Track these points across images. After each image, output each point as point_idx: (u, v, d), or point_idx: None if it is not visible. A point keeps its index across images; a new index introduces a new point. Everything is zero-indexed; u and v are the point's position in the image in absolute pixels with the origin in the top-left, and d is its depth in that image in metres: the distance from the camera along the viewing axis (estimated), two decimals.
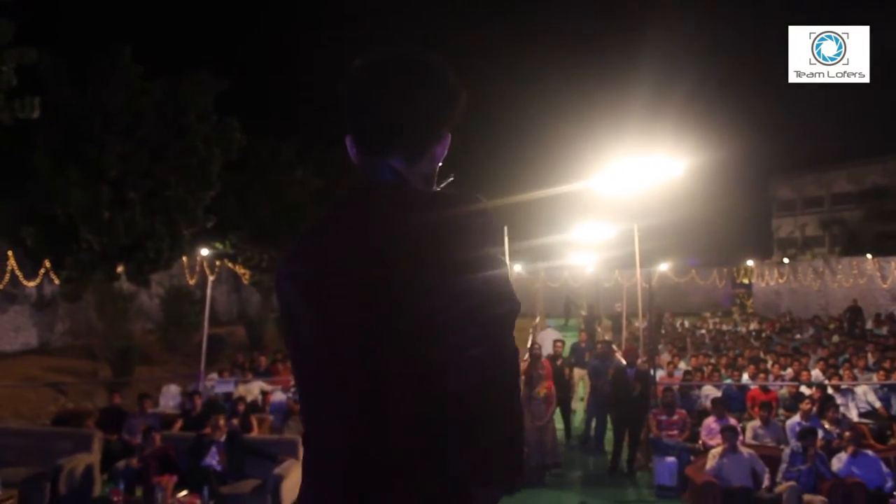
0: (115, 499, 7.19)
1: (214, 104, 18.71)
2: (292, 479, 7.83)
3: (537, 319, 24.85)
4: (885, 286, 26.05)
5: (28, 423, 11.96)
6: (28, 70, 12.19)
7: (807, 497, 7.56)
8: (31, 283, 17.48)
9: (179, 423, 9.83)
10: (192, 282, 21.67)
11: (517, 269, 27.33)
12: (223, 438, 8.27)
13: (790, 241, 47.50)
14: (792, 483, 7.65)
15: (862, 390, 11.19)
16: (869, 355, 14.89)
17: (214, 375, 12.86)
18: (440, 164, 1.47)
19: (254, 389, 11.88)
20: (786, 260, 36.76)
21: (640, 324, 17.10)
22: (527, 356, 10.00)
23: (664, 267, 33.01)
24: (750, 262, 38.23)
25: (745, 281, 40.13)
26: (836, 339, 19.19)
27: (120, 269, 17.77)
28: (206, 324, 12.18)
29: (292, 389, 12.44)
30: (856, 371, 12.82)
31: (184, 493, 7.41)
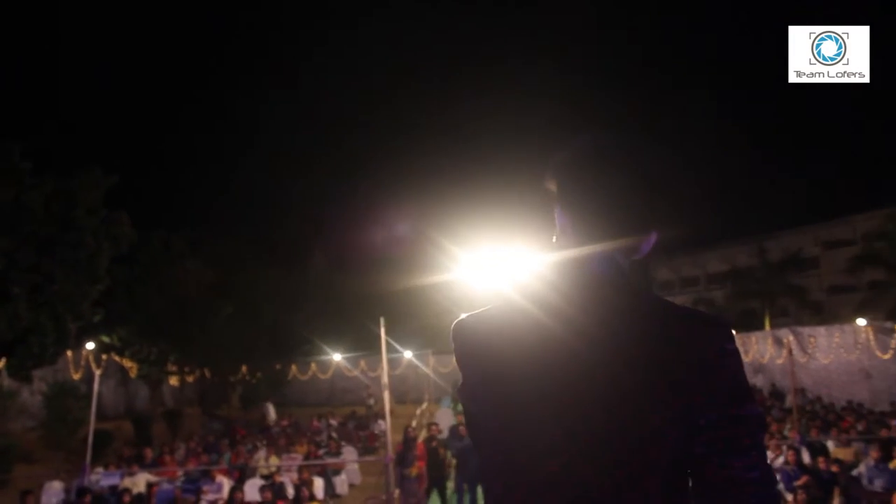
0: None
1: (105, 199, 19.00)
2: None
3: (424, 405, 25.55)
4: (747, 360, 28.15)
5: None
6: None
7: None
8: None
9: None
10: (76, 376, 21.33)
11: (408, 355, 28.05)
12: None
13: None
14: None
15: None
16: None
17: (100, 469, 12.91)
18: None
19: (139, 482, 12.03)
20: None
21: None
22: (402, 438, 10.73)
23: None
24: None
25: None
26: None
27: (0, 364, 17.48)
28: (92, 418, 12.31)
29: (180, 480, 12.67)
30: None
31: None
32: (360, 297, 33.38)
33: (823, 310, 38.31)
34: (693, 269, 53.34)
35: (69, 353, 20.90)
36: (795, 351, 24.75)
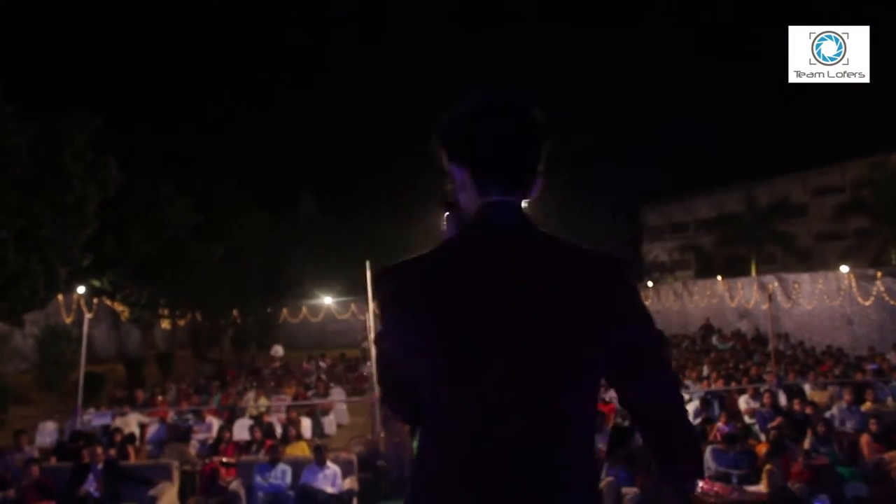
0: None
1: (91, 142, 18.87)
2: (166, 500, 8.47)
3: None
4: (732, 305, 28.58)
5: None
6: None
7: (624, 490, 8.81)
8: None
9: (53, 460, 10.21)
10: (68, 320, 21.49)
11: None
12: (100, 466, 8.81)
13: (657, 265, 50.61)
14: (611, 479, 8.90)
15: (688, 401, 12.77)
16: (705, 367, 16.69)
17: (92, 410, 13.17)
18: None
19: (131, 422, 12.30)
20: (649, 283, 39.19)
21: None
22: None
23: None
24: None
25: None
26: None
27: None
28: (83, 361, 12.50)
29: (172, 420, 12.94)
30: (688, 381, 14.47)
31: None
32: (352, 241, 33.53)
33: (811, 257, 38.63)
34: (683, 214, 53.45)
35: (60, 296, 21.03)
36: (780, 297, 25.13)
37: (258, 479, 9.10)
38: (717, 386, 13.82)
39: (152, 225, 24.43)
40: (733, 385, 13.70)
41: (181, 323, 29.89)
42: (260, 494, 8.98)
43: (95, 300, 23.73)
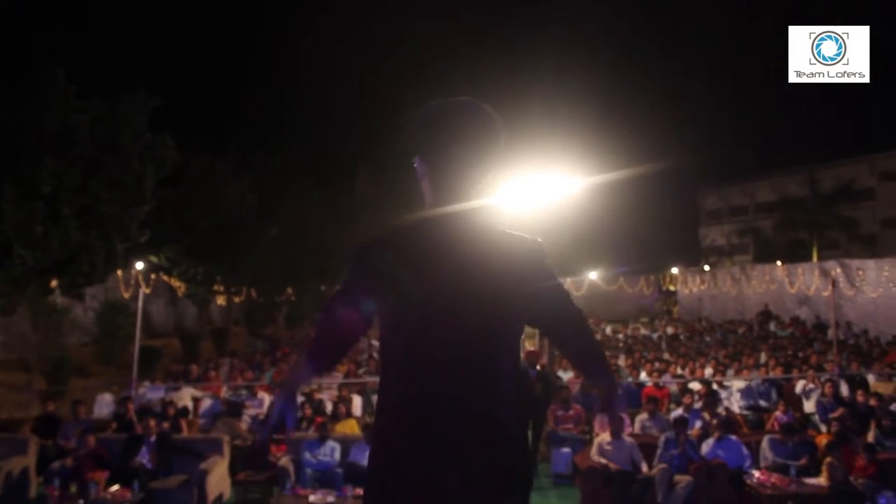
0: (52, 495, 7.82)
1: (148, 121, 19.15)
2: (216, 473, 8.57)
3: None
4: (792, 291, 27.76)
5: None
6: None
7: (677, 477, 8.61)
8: None
9: (113, 426, 10.44)
10: (126, 295, 21.95)
11: None
12: (153, 438, 8.96)
13: (714, 248, 49.53)
14: (664, 465, 8.70)
15: (736, 386, 12.42)
16: (763, 355, 16.23)
17: (147, 383, 13.43)
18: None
19: (185, 396, 12.49)
20: (706, 267, 38.38)
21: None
22: None
23: (594, 276, 34.33)
24: (675, 270, 39.76)
25: (671, 288, 41.60)
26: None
27: (54, 283, 18.05)
28: (137, 335, 12.75)
29: (227, 394, 13.12)
30: (745, 370, 14.10)
31: (115, 487, 8.07)
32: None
33: (876, 243, 37.35)
34: (742, 197, 52.07)
35: (119, 272, 21.49)
36: (843, 284, 24.29)
37: (307, 455, 9.15)
38: (776, 374, 13.43)
39: (208, 202, 24.78)
40: (794, 373, 13.28)
41: (237, 300, 30.35)
42: (308, 471, 9.02)
43: (153, 276, 24.20)
